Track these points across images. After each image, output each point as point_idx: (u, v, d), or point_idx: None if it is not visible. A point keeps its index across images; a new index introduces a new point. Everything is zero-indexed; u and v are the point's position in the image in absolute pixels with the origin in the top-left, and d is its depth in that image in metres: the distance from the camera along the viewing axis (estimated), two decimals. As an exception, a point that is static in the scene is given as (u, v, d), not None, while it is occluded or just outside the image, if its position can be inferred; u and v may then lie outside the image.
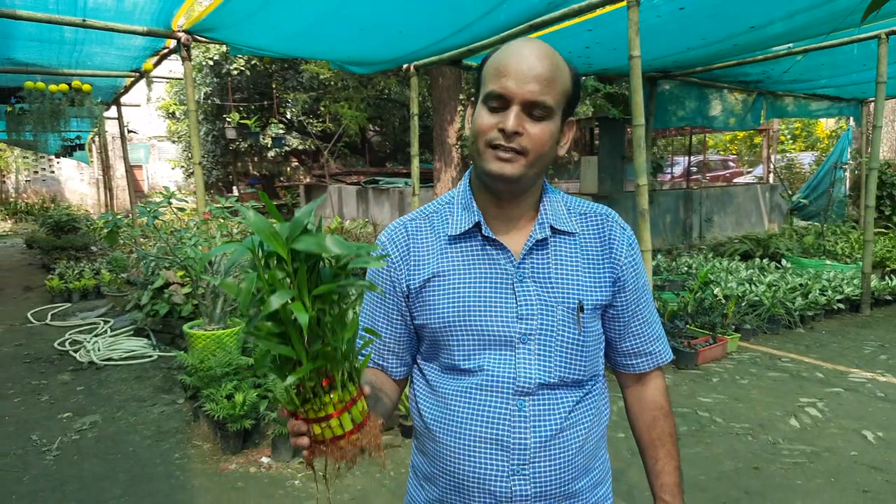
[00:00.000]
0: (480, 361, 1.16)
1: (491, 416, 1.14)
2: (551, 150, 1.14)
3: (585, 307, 1.18)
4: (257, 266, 0.88)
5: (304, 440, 0.95)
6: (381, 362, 1.27)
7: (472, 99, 1.20)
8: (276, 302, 0.83)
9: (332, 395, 0.94)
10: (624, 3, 4.06)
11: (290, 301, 0.85)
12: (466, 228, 1.19)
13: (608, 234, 1.22)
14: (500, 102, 1.09)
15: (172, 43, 5.82)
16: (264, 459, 3.58)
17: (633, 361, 1.29)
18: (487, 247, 1.18)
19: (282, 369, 0.93)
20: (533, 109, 1.09)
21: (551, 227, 1.19)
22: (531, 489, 1.14)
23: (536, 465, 1.14)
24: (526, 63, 1.09)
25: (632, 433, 1.35)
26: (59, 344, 5.94)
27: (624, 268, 1.22)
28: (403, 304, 1.23)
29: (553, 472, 1.15)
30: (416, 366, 1.29)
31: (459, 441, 1.16)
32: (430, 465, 1.23)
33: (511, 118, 1.08)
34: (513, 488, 1.13)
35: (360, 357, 0.99)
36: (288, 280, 0.87)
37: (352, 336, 0.95)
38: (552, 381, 1.15)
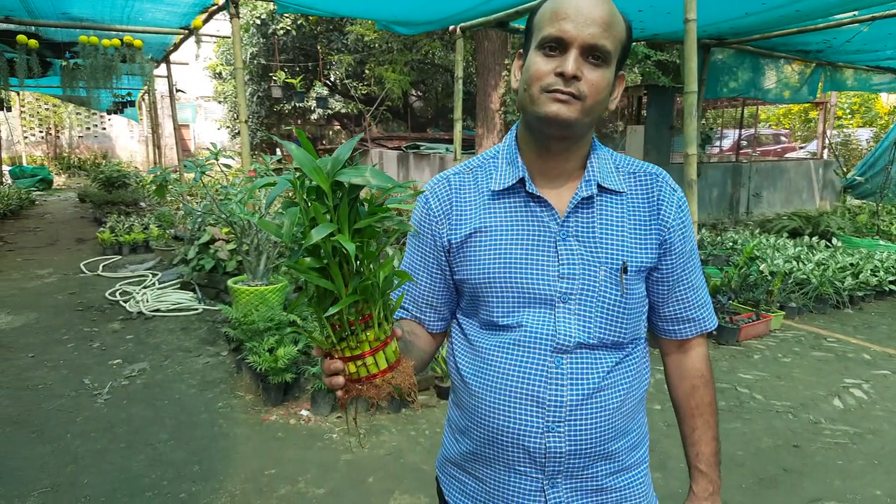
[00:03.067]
0: (519, 318, 1.15)
1: (528, 371, 1.14)
2: (605, 99, 1.11)
3: (629, 269, 1.15)
4: (299, 201, 0.89)
5: (340, 379, 0.96)
6: (419, 314, 1.27)
7: (521, 51, 1.17)
8: (317, 234, 0.84)
9: (368, 333, 0.95)
10: (682, -36, 3.90)
11: (333, 234, 0.86)
12: (511, 184, 1.17)
13: (657, 194, 1.18)
14: (558, 46, 1.07)
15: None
16: (304, 412, 3.68)
17: (676, 327, 1.26)
18: (531, 203, 1.16)
19: (320, 304, 0.94)
20: (592, 54, 1.06)
21: (598, 185, 1.16)
22: (566, 446, 1.13)
23: (572, 422, 1.13)
24: (585, 6, 1.06)
25: (670, 401, 1.33)
26: (109, 294, 6.17)
27: (672, 230, 1.18)
28: (444, 258, 1.22)
29: (589, 431, 1.14)
30: (455, 320, 1.29)
31: (495, 395, 1.16)
32: (465, 418, 1.23)
33: (570, 61, 1.05)
34: (547, 445, 1.13)
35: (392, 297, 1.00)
36: (328, 215, 0.88)
37: (388, 274, 0.96)
38: (591, 341, 1.14)
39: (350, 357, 0.96)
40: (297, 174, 0.90)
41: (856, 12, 6.28)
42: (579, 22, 1.05)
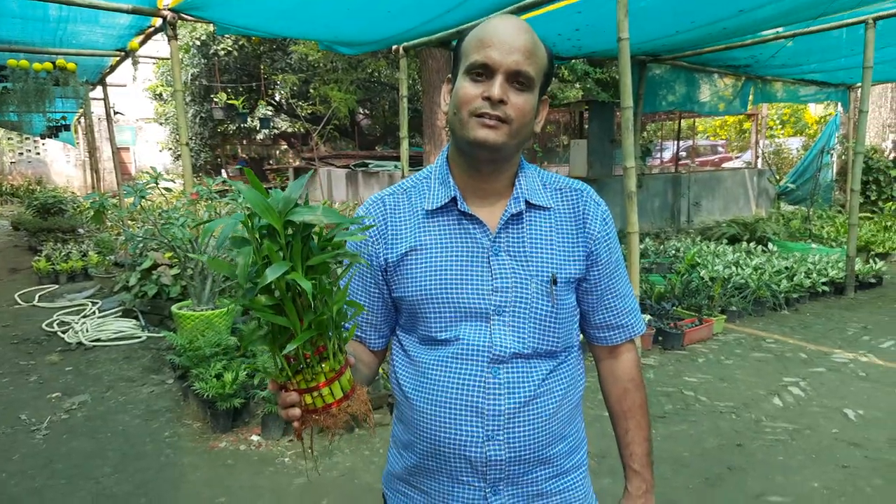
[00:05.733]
0: (456, 332, 1.18)
1: (466, 383, 1.17)
2: (531, 122, 1.17)
3: (559, 280, 1.20)
4: (251, 240, 0.90)
5: (296, 411, 0.97)
6: (359, 334, 1.30)
7: (449, 76, 1.22)
8: (272, 274, 0.86)
9: (323, 365, 0.97)
10: (614, -16, 4.05)
11: (287, 272, 0.87)
12: (443, 203, 1.21)
13: (583, 208, 1.25)
14: (484, 72, 1.12)
15: (158, 21, 5.74)
16: (254, 437, 3.61)
17: (606, 334, 1.32)
18: (464, 221, 1.21)
19: (276, 341, 0.95)
20: (516, 79, 1.12)
21: (526, 202, 1.21)
22: (506, 454, 1.17)
23: (511, 430, 1.16)
24: (509, 35, 1.12)
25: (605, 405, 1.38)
26: (46, 325, 5.92)
27: (597, 242, 1.24)
28: (381, 277, 1.25)
29: (527, 438, 1.17)
30: (395, 337, 1.32)
31: (436, 408, 1.19)
32: (408, 432, 1.26)
33: (496, 86, 1.10)
34: (487, 453, 1.16)
35: (344, 328, 1.02)
36: (281, 253, 0.89)
37: (340, 306, 0.97)
38: (526, 351, 1.18)
39: (306, 389, 0.97)
40: (249, 212, 0.90)
41: (780, 29, 6.63)
42: (504, 49, 1.10)
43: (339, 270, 1.05)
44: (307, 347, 0.95)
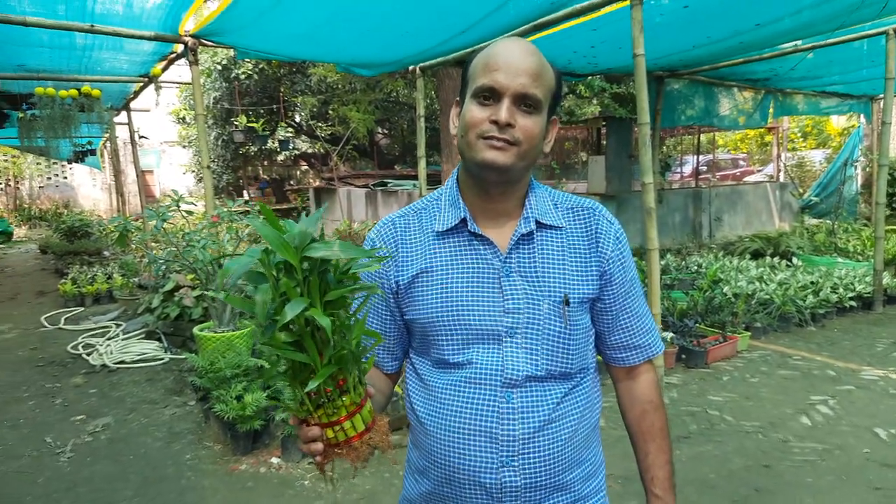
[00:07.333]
0: (469, 355, 1.17)
1: (480, 408, 1.16)
2: (539, 144, 1.17)
3: (571, 301, 1.19)
4: (268, 276, 0.89)
5: (319, 445, 0.96)
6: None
7: (458, 99, 1.22)
8: (292, 311, 0.85)
9: (344, 399, 0.96)
10: (627, 3, 4.05)
11: (306, 309, 0.87)
12: (453, 224, 1.21)
13: (595, 228, 1.24)
14: (491, 95, 1.12)
15: (180, 47, 5.87)
16: (274, 460, 3.60)
17: (623, 355, 1.30)
18: (474, 242, 1.20)
19: (297, 377, 0.95)
20: (523, 102, 1.12)
21: (536, 222, 1.21)
22: (521, 480, 1.15)
23: (525, 456, 1.15)
24: (515, 58, 1.12)
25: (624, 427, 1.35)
26: (72, 347, 6.00)
27: (611, 261, 1.23)
28: (392, 300, 1.25)
29: (542, 464, 1.16)
30: (408, 360, 1.31)
31: (450, 434, 1.18)
32: (422, 458, 1.25)
33: (503, 109, 1.10)
34: (502, 480, 1.15)
35: (363, 359, 1.01)
36: (298, 288, 0.89)
37: (358, 339, 0.97)
38: (539, 373, 1.17)
39: (328, 423, 0.96)
40: (265, 248, 0.90)
41: (798, 42, 6.58)
42: (510, 72, 1.11)
43: (362, 304, 1.04)
44: (328, 382, 0.94)
